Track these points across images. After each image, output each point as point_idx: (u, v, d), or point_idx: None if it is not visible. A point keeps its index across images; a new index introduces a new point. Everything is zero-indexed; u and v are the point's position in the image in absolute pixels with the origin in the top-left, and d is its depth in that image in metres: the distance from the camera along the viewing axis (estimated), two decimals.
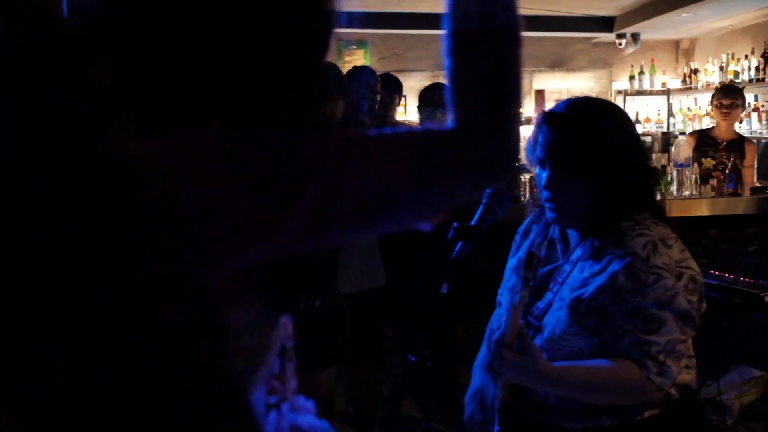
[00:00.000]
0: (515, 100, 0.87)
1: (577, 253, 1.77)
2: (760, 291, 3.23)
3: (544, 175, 1.77)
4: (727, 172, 4.12)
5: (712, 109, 5.16)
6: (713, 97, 5.12)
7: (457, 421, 4.14)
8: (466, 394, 2.02)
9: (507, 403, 1.82)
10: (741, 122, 6.74)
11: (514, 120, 0.87)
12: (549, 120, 1.75)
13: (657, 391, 1.63)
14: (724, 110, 4.91)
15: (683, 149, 4.05)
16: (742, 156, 4.84)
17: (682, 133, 6.43)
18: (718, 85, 6.44)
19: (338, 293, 2.99)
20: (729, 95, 4.98)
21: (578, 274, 1.72)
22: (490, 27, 0.83)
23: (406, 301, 4.00)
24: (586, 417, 1.71)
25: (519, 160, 0.82)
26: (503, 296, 1.92)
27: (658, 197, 4.17)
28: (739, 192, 4.13)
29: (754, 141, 5.47)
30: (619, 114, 1.84)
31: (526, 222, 2.02)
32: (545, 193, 1.78)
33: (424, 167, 0.80)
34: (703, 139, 4.99)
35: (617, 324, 1.64)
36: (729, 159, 4.51)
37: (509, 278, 1.93)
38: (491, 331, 1.91)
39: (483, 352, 1.89)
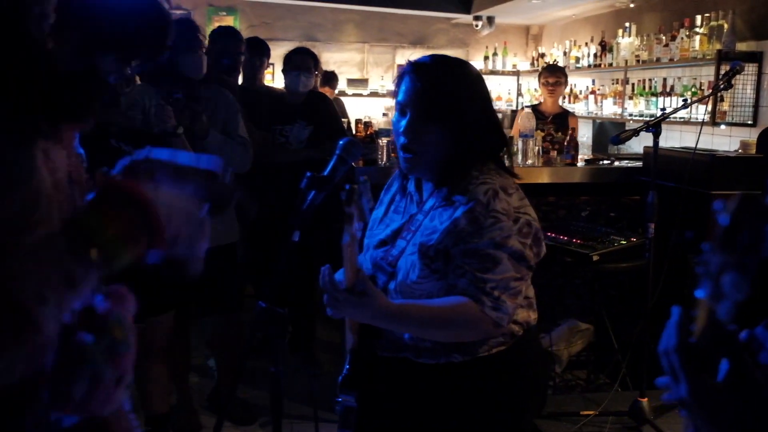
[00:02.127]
0: None
1: (429, 203, 1.77)
2: (589, 251, 3.38)
3: (403, 122, 1.75)
4: (565, 144, 4.27)
5: (540, 87, 5.37)
6: (540, 75, 5.35)
7: (314, 375, 4.15)
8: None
9: (357, 345, 1.80)
10: (567, 100, 7.05)
11: None
12: (416, 68, 1.75)
13: (494, 325, 1.65)
14: (550, 87, 5.14)
15: (528, 120, 4.16)
16: (567, 127, 5.10)
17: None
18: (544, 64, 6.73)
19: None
20: (554, 74, 5.22)
21: (429, 222, 1.73)
22: None
23: (265, 256, 3.93)
24: (438, 354, 1.73)
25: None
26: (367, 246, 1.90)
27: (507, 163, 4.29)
28: (575, 163, 4.30)
29: (576, 114, 5.74)
30: (474, 72, 1.84)
31: (390, 180, 2.01)
32: (402, 139, 1.76)
33: None
34: (534, 113, 5.19)
35: (457, 264, 1.66)
36: (556, 131, 4.77)
37: (371, 233, 1.91)
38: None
39: None
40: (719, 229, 1.01)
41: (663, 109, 3.48)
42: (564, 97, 7.61)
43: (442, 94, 1.71)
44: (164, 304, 2.95)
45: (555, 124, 4.95)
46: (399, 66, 8.25)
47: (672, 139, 5.74)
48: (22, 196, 0.93)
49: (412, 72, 1.75)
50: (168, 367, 3.22)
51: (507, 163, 1.86)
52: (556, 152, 4.37)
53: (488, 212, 1.64)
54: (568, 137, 4.28)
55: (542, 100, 5.41)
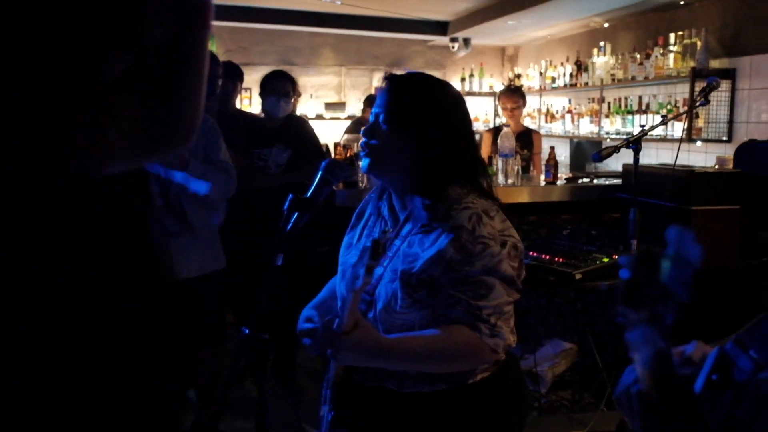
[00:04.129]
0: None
1: (406, 228, 1.74)
2: (572, 269, 3.37)
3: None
4: (544, 163, 4.29)
5: (501, 110, 5.41)
6: (498, 99, 5.38)
7: (297, 401, 4.09)
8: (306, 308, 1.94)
9: (341, 379, 1.76)
10: (543, 120, 7.07)
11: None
12: (393, 80, 1.77)
13: (491, 352, 1.64)
14: (509, 112, 5.18)
15: (508, 139, 4.16)
16: (532, 144, 5.14)
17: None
18: (504, 86, 6.81)
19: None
20: (511, 98, 5.24)
21: (408, 248, 1.70)
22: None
23: (246, 282, 3.88)
24: (423, 383, 1.70)
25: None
26: (343, 270, 1.86)
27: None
28: (555, 182, 4.32)
29: (539, 131, 5.79)
30: (453, 93, 1.83)
31: (362, 204, 1.98)
32: (367, 139, 1.76)
33: None
34: (498, 134, 5.22)
35: (448, 293, 1.63)
36: (522, 149, 4.85)
37: (345, 257, 1.88)
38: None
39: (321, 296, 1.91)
40: (621, 284, 1.09)
41: (642, 126, 3.50)
42: (539, 117, 7.68)
43: (410, 105, 1.72)
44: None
45: (520, 142, 5.01)
46: (376, 89, 8.35)
47: (648, 156, 5.79)
48: None
49: (388, 83, 1.77)
50: None
51: (486, 185, 1.82)
52: (535, 171, 4.39)
53: (475, 239, 1.62)
54: (533, 153, 4.34)
55: (506, 121, 5.47)
